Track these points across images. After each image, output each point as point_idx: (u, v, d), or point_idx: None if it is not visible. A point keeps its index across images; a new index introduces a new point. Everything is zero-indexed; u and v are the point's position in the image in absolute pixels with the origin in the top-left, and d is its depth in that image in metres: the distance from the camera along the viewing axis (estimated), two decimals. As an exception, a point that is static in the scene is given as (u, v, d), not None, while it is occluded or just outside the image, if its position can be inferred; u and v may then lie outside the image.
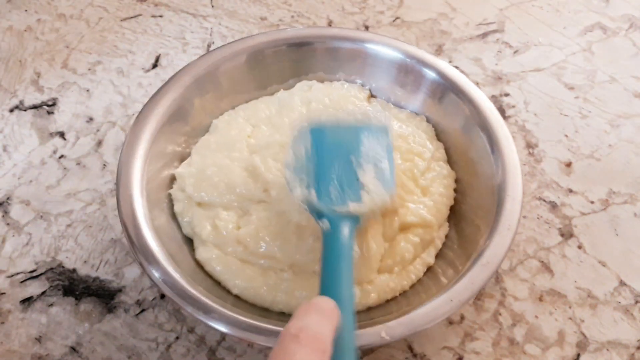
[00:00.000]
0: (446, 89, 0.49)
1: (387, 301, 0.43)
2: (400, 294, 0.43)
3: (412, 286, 0.44)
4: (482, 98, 0.47)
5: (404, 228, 0.44)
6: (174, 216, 0.46)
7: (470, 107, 0.47)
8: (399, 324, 0.37)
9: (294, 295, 0.42)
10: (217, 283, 0.43)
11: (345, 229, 0.37)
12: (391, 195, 0.40)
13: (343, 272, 0.34)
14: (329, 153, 0.42)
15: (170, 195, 0.47)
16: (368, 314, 0.42)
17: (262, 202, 0.45)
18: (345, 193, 0.39)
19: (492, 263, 0.39)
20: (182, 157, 0.49)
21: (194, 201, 0.46)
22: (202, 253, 0.44)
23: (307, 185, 0.40)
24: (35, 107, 0.57)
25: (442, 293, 0.38)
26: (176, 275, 0.39)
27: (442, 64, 0.50)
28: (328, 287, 0.32)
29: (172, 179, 0.47)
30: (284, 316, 0.41)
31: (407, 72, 0.51)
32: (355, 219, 0.38)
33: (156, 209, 0.44)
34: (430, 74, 0.50)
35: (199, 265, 0.44)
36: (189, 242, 0.45)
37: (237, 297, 0.42)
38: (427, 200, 0.46)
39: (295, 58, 0.53)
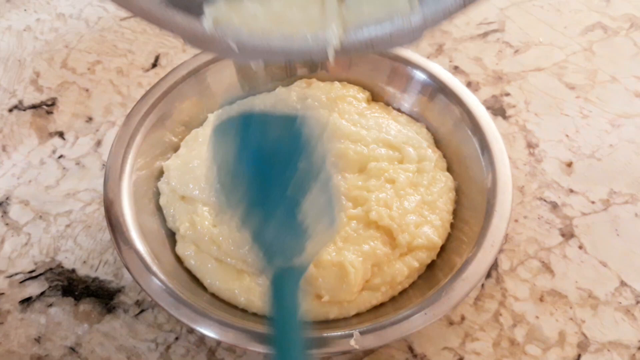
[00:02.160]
0: (436, 92, 0.49)
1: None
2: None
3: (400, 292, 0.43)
4: (474, 102, 0.47)
5: (408, 251, 0.43)
6: (160, 208, 0.46)
7: (462, 112, 0.47)
8: (369, 333, 0.36)
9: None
10: (195, 279, 0.43)
11: (293, 283, 0.32)
12: (335, 230, 0.34)
13: (295, 330, 0.31)
14: (261, 167, 0.34)
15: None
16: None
17: None
18: (286, 242, 0.33)
19: (471, 279, 0.38)
20: (177, 150, 0.49)
21: (177, 194, 0.45)
22: (180, 248, 0.44)
23: (239, 224, 0.34)
24: (34, 106, 0.57)
25: (416, 306, 0.38)
26: (165, 281, 0.39)
27: (434, 66, 0.49)
28: (283, 353, 0.30)
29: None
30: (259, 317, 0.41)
31: (397, 74, 0.50)
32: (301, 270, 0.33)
33: (144, 199, 0.44)
34: (421, 76, 0.49)
35: (179, 259, 0.44)
36: (172, 234, 0.45)
37: (213, 294, 0.42)
38: (434, 219, 0.44)
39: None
